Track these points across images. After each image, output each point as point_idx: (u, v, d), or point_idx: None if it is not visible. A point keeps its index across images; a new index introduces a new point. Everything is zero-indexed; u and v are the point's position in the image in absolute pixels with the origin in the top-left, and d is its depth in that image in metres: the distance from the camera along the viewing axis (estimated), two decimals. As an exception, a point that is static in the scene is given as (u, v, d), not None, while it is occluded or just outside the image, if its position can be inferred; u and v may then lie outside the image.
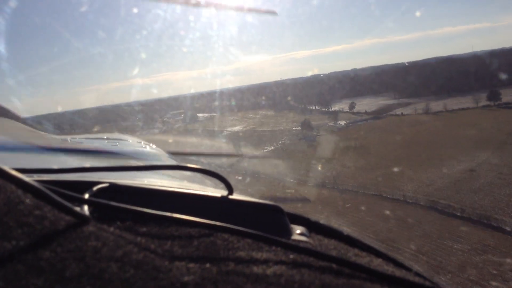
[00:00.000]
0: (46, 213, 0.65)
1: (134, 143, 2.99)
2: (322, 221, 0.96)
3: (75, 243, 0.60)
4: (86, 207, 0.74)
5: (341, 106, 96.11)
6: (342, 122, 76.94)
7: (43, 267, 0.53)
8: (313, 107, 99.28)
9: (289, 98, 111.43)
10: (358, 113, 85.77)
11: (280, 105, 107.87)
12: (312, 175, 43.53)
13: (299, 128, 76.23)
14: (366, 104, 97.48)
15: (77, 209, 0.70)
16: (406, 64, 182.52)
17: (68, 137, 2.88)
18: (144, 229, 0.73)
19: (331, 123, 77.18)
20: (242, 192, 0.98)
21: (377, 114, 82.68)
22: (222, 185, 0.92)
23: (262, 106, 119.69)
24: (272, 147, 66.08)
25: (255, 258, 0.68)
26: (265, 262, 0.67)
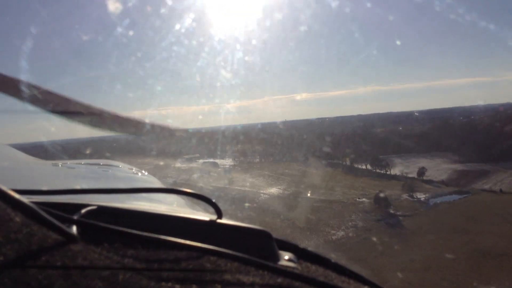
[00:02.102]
0: (35, 230, 0.66)
1: (125, 169, 3.01)
2: (310, 248, 0.96)
3: (62, 261, 0.60)
4: (74, 227, 0.74)
5: (400, 168, 78.55)
6: (421, 196, 58.90)
7: (30, 283, 0.53)
8: (363, 166, 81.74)
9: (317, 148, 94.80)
10: (431, 181, 68.06)
11: (309, 156, 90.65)
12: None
13: (364, 199, 58.33)
14: (427, 167, 79.99)
15: (66, 228, 0.71)
16: (416, 114, 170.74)
17: (59, 162, 2.84)
18: (132, 250, 0.74)
19: (406, 196, 59.07)
20: (231, 217, 0.99)
21: (459, 185, 64.88)
22: (211, 209, 0.92)
23: (287, 156, 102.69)
24: (342, 232, 47.78)
25: (242, 282, 0.68)
26: (252, 285, 0.68)
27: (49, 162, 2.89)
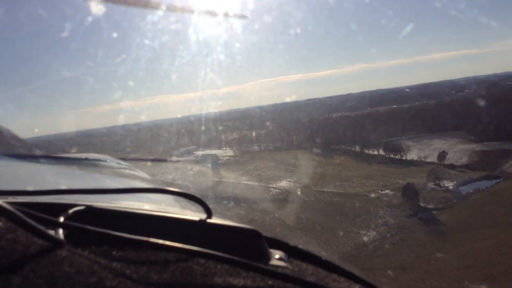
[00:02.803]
0: (19, 236, 0.64)
1: (113, 164, 2.97)
2: (300, 246, 0.96)
3: (47, 268, 0.59)
4: (61, 231, 0.73)
5: (415, 152, 73.44)
6: (449, 184, 53.86)
7: None
8: (375, 152, 76.56)
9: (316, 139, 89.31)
10: (453, 166, 63.08)
11: (312, 142, 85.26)
12: None
13: (387, 191, 53.16)
14: (441, 148, 74.97)
15: (52, 232, 0.69)
16: (407, 90, 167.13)
17: (46, 156, 2.84)
18: (120, 253, 0.73)
19: (432, 184, 53.97)
20: (221, 216, 0.99)
21: (484, 169, 59.96)
22: (201, 208, 0.92)
23: (289, 143, 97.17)
24: (373, 232, 42.58)
25: (232, 284, 0.68)
26: None
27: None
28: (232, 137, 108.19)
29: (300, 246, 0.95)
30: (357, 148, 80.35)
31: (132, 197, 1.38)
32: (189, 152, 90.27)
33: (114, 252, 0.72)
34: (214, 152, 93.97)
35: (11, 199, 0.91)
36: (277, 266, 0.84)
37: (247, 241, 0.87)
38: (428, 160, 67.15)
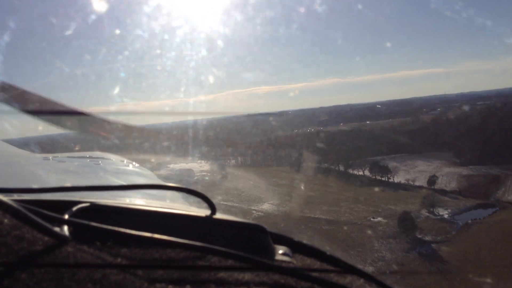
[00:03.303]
0: (24, 233, 0.65)
1: (117, 162, 2.96)
2: (305, 241, 0.96)
3: (53, 264, 0.60)
4: (65, 228, 0.74)
5: (401, 173, 70.34)
6: (443, 213, 50.53)
7: None
8: (360, 172, 73.01)
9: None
10: (444, 192, 60.10)
11: (295, 160, 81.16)
12: None
13: (380, 219, 49.28)
14: (426, 171, 72.29)
15: (57, 229, 0.70)
16: (378, 106, 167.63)
17: (50, 156, 2.81)
18: (125, 250, 0.73)
19: (426, 212, 50.48)
20: (225, 212, 0.98)
21: (477, 197, 57.17)
22: (205, 204, 0.92)
23: (269, 158, 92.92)
24: (370, 268, 38.13)
25: (237, 279, 0.69)
26: (247, 283, 0.68)
27: (40, 156, 2.83)
28: (206, 149, 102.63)
29: (304, 242, 0.95)
30: (341, 167, 76.61)
31: (137, 194, 1.39)
32: (162, 165, 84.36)
33: (118, 249, 0.73)
34: (189, 166, 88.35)
35: (16, 196, 0.92)
36: (282, 261, 0.85)
37: (252, 237, 0.88)
38: (417, 183, 64.05)
